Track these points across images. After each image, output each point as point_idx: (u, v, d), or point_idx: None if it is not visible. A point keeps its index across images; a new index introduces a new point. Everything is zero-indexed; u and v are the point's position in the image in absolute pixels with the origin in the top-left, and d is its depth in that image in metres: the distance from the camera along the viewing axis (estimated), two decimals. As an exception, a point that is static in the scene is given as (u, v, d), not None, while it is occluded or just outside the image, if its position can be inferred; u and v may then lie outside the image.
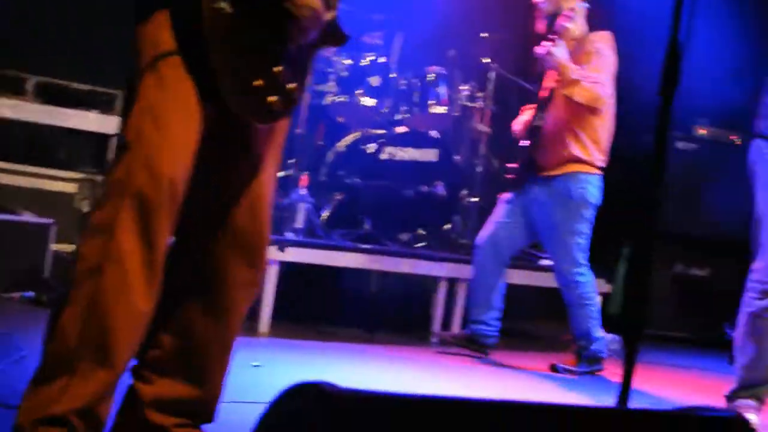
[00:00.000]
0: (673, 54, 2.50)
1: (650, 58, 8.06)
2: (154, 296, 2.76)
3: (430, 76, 7.42)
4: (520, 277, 7.19)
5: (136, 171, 2.66)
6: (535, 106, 6.27)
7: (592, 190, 6.09)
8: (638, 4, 7.44)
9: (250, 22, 2.78)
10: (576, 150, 6.03)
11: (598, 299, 6.14)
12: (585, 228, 6.09)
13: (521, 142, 6.17)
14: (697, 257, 8.85)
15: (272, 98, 2.84)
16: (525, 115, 6.31)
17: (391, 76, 7.57)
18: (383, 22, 7.45)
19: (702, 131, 8.83)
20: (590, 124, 6.05)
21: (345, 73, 7.46)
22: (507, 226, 6.19)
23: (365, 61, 7.55)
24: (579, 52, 6.02)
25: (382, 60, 7.60)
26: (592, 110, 5.92)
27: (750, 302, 4.80)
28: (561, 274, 6.16)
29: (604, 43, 6.06)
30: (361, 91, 7.46)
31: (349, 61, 7.52)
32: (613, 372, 5.97)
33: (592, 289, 6.09)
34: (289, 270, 6.35)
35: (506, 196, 6.24)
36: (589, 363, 6.05)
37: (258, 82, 2.80)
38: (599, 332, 6.08)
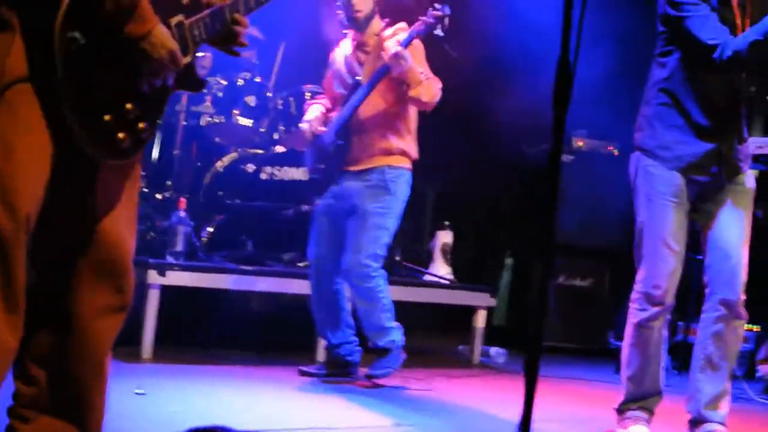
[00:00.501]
0: (564, 73, 2.44)
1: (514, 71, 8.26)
2: (17, 331, 2.62)
3: (307, 94, 7.35)
4: (405, 293, 7.12)
5: None
6: (323, 102, 6.23)
7: (406, 185, 6.01)
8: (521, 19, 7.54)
9: (104, 55, 2.68)
10: (396, 142, 5.96)
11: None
12: (393, 224, 5.93)
13: (328, 140, 6.00)
14: (578, 268, 8.94)
15: (121, 135, 2.74)
16: (314, 112, 6.16)
17: (267, 95, 7.48)
18: (258, 41, 7.34)
19: (580, 143, 8.93)
20: (409, 116, 6.02)
21: (220, 93, 7.38)
22: (326, 241, 5.99)
23: (240, 81, 7.46)
24: (379, 47, 5.92)
25: (257, 79, 7.52)
26: (425, 105, 5.88)
27: (635, 313, 4.81)
28: (355, 266, 5.77)
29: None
30: (237, 111, 7.37)
31: (224, 81, 7.43)
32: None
33: (384, 284, 5.85)
34: (170, 294, 6.20)
35: (319, 207, 6.09)
36: (385, 362, 5.88)
37: (108, 117, 2.70)
38: (393, 323, 5.90)
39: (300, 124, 6.19)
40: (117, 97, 2.75)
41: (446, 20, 5.79)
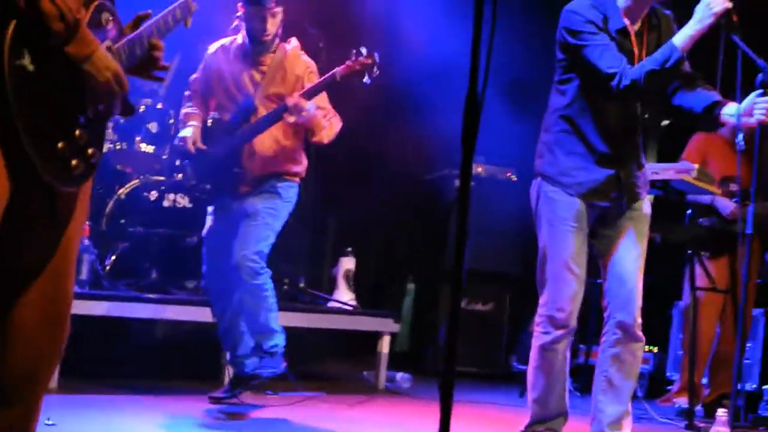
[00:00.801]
0: (472, 106, 2.51)
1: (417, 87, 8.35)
2: None
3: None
4: (309, 320, 7.15)
5: None
6: (194, 110, 6.10)
7: (295, 193, 6.01)
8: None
9: (52, 82, 2.71)
10: (291, 167, 5.95)
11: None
12: (279, 227, 5.92)
13: (215, 163, 5.91)
14: (479, 293, 9.02)
15: (74, 162, 2.76)
16: (192, 128, 5.98)
17: (170, 122, 7.45)
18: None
19: (479, 169, 9.04)
20: (303, 142, 6.01)
21: (122, 120, 7.32)
22: (218, 256, 5.91)
23: (142, 107, 7.42)
24: (280, 67, 5.92)
25: (159, 106, 7.49)
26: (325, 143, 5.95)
27: (539, 336, 4.91)
28: (243, 260, 5.66)
29: (305, 59, 6.03)
30: (139, 138, 7.34)
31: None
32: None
33: (271, 284, 5.83)
34: (75, 323, 6.11)
35: (209, 230, 6.03)
36: (271, 362, 5.83)
37: (61, 145, 2.72)
38: (278, 326, 5.85)
39: (178, 140, 5.99)
40: (67, 123, 2.77)
41: (376, 69, 5.72)
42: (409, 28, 8.16)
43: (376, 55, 5.71)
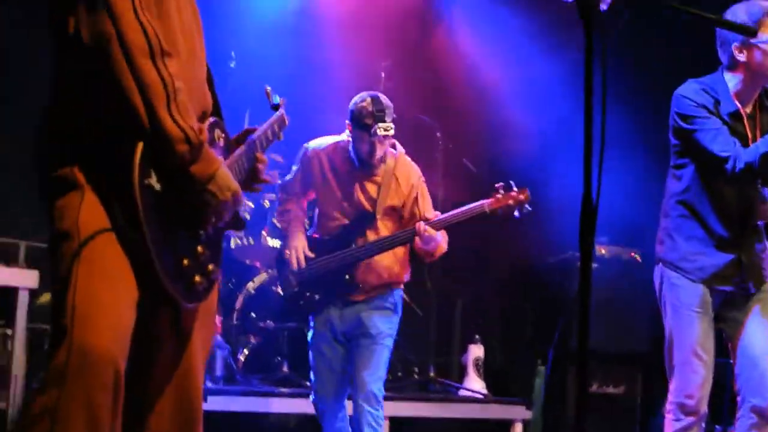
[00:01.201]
0: (588, 208, 2.55)
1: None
2: None
3: (272, 196, 7.39)
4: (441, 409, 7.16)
5: (76, 356, 2.61)
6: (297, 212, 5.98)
7: (402, 301, 5.91)
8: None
9: (177, 200, 2.81)
10: (401, 271, 5.84)
11: None
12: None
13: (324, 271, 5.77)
14: (610, 375, 8.92)
15: (198, 278, 2.86)
16: (298, 239, 5.85)
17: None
18: (280, 166, 7.50)
19: (603, 250, 8.99)
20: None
21: (248, 215, 7.49)
22: (327, 377, 5.76)
23: (267, 202, 7.58)
24: (392, 176, 5.78)
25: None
26: None
27: (671, 423, 4.89)
28: (370, 388, 5.55)
29: (413, 165, 5.95)
30: (265, 232, 7.48)
31: (251, 204, 7.55)
32: None
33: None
34: (212, 418, 6.24)
35: (315, 340, 5.83)
36: None
37: (186, 262, 2.82)
38: None
39: (287, 250, 5.86)
40: (190, 240, 2.87)
41: (528, 205, 5.72)
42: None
43: (528, 191, 5.70)
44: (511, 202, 5.65)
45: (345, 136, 5.77)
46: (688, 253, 4.88)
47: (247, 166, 3.26)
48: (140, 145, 2.68)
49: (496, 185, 5.70)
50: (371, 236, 5.70)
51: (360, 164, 5.71)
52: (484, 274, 9.45)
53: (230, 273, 7.58)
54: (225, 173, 2.90)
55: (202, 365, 3.11)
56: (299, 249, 5.75)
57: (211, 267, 2.96)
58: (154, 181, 2.72)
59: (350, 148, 5.72)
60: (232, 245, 7.45)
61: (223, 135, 3.14)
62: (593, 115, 2.68)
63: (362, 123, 5.50)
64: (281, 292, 5.93)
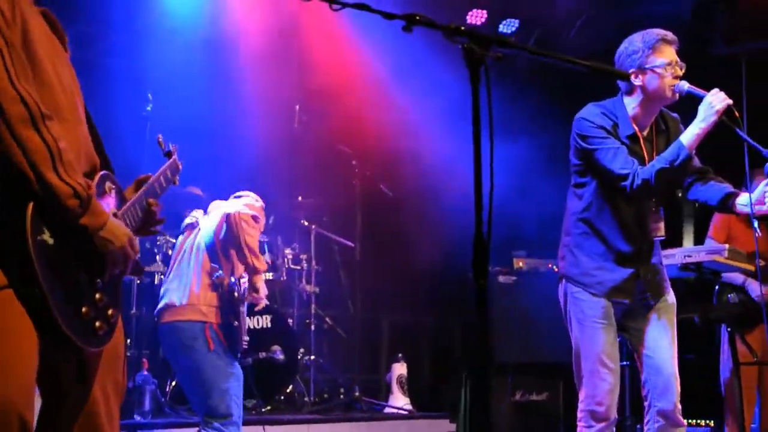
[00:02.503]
0: (480, 246, 2.76)
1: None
2: None
3: None
4: (368, 428, 7.33)
5: None
6: None
7: None
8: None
9: (72, 252, 2.93)
10: None
11: None
12: None
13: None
14: (533, 383, 9.12)
15: (98, 323, 2.99)
16: None
17: (217, 248, 7.71)
18: (200, 199, 7.62)
19: (521, 263, 9.22)
20: None
21: (170, 251, 7.61)
22: None
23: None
24: None
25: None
26: None
27: (582, 430, 5.08)
28: None
29: None
30: (191, 268, 7.59)
31: (172, 240, 7.66)
32: None
33: None
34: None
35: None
36: None
37: (85, 309, 2.94)
38: None
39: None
40: (88, 289, 2.99)
41: None
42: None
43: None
44: None
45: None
46: (588, 269, 5.11)
47: (141, 214, 3.42)
48: (31, 204, 2.80)
49: None
50: None
51: None
52: (408, 293, 9.65)
53: (155, 308, 7.67)
54: (115, 222, 3.04)
55: (115, 407, 3.21)
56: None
57: (111, 311, 3.08)
58: (47, 236, 2.84)
59: None
60: (156, 281, 7.56)
61: (114, 186, 3.27)
62: (482, 154, 2.88)
63: None
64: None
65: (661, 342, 5.08)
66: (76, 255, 2.95)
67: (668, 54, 4.98)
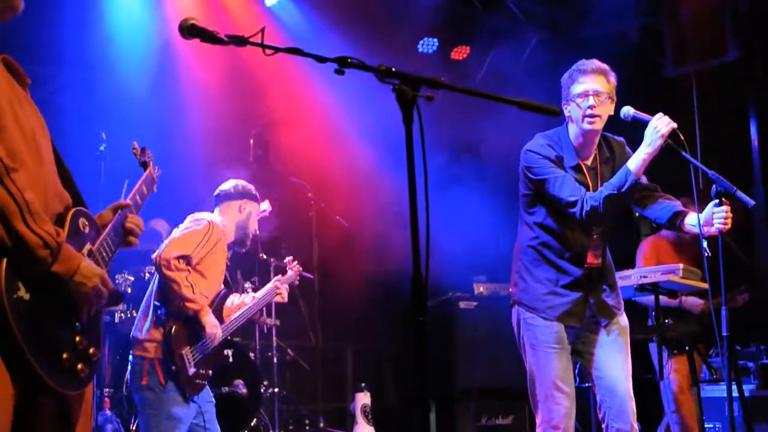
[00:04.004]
0: (418, 284, 2.80)
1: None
2: None
3: None
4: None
5: None
6: None
7: None
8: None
9: (47, 302, 2.96)
10: None
11: None
12: None
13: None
14: (498, 407, 9.15)
15: (80, 366, 3.03)
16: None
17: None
18: (161, 235, 7.64)
19: (481, 288, 9.27)
20: None
21: (129, 289, 7.62)
22: None
23: (147, 275, 7.71)
24: None
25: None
26: None
27: (542, 455, 5.15)
28: None
29: None
30: (147, 303, 7.60)
31: (131, 277, 7.68)
32: None
33: None
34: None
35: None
36: None
37: (66, 355, 2.98)
38: None
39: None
40: (66, 334, 3.03)
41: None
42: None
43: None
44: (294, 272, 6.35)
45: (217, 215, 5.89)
46: (539, 294, 5.18)
47: (117, 239, 3.46)
48: (4, 261, 2.83)
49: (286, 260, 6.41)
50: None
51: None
52: (368, 322, 9.68)
53: (117, 345, 7.68)
54: (87, 264, 3.07)
55: None
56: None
57: (91, 351, 3.12)
58: (22, 292, 2.87)
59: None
60: (116, 319, 7.56)
61: (88, 222, 3.31)
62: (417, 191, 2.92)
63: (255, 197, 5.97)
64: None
65: (614, 364, 5.14)
66: (52, 304, 2.98)
67: (584, 84, 5.08)
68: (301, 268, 6.39)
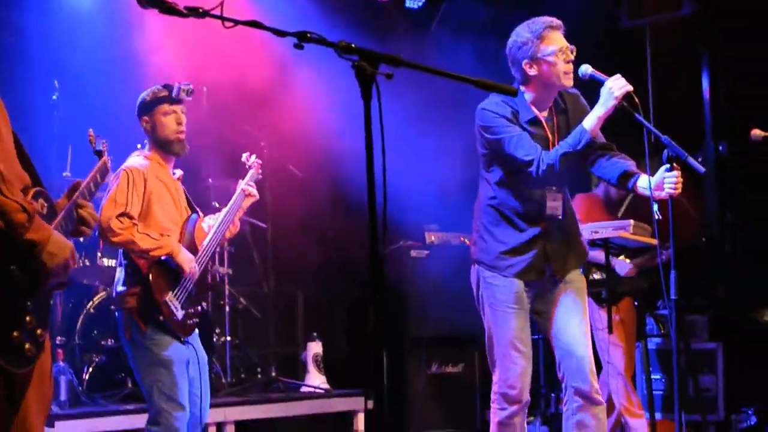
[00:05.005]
0: (377, 261, 2.83)
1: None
2: None
3: None
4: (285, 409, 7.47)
5: None
6: None
7: None
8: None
9: (5, 279, 2.99)
10: None
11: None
12: None
13: None
14: (448, 355, 9.22)
15: (27, 345, 3.04)
16: None
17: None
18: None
19: (432, 237, 9.30)
20: None
21: (81, 238, 7.55)
22: None
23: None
24: None
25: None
26: None
27: (495, 412, 5.27)
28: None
29: None
30: (100, 253, 7.57)
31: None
32: None
33: None
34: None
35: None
36: None
37: (16, 334, 2.99)
38: None
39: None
40: (18, 312, 3.05)
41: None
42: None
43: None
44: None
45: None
46: (499, 252, 5.25)
47: (71, 224, 3.45)
48: None
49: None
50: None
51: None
52: (321, 270, 9.71)
53: (69, 294, 7.64)
54: (59, 236, 3.11)
55: (40, 423, 3.28)
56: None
57: (39, 332, 3.15)
58: None
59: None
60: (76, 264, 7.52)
61: (46, 203, 3.32)
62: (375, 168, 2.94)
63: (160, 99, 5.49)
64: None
65: (571, 322, 5.25)
66: (7, 279, 2.99)
67: (556, 40, 5.12)
68: (261, 162, 6.09)
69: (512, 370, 5.21)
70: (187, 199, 5.65)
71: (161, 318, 5.19)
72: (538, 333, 5.87)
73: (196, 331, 5.50)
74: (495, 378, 5.29)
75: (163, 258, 5.24)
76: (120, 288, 5.34)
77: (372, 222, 2.90)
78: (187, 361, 5.34)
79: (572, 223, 5.43)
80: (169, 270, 5.28)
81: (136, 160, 5.45)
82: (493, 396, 5.29)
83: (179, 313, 5.24)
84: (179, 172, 5.65)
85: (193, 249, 5.46)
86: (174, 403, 5.21)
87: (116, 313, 5.38)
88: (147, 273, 5.23)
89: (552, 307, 5.29)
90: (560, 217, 5.27)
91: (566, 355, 5.23)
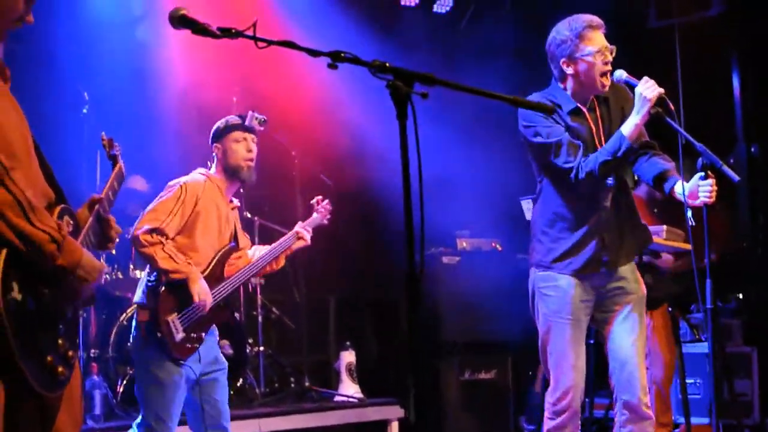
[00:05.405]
0: (413, 280, 2.81)
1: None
2: None
3: None
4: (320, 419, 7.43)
5: None
6: None
7: None
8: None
9: (38, 302, 2.98)
10: None
11: None
12: None
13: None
14: (481, 362, 9.18)
15: (60, 368, 3.04)
16: None
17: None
18: (143, 192, 7.60)
19: (464, 243, 9.28)
20: None
21: (114, 251, 7.58)
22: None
23: (129, 235, 7.65)
24: None
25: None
26: None
27: (547, 421, 5.28)
28: None
29: None
30: (132, 266, 7.60)
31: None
32: None
33: None
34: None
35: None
36: None
37: (50, 359, 3.00)
38: None
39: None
40: (51, 336, 3.06)
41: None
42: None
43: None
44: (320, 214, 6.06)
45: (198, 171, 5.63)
46: (556, 251, 5.22)
47: (95, 237, 3.45)
48: (1, 261, 2.84)
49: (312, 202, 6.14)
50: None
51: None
52: (352, 278, 9.70)
53: (102, 307, 7.68)
54: (89, 257, 3.11)
55: None
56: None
57: (70, 353, 3.15)
58: (16, 293, 2.89)
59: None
60: (102, 280, 7.55)
61: (72, 221, 3.32)
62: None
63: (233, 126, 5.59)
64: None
65: (626, 337, 5.22)
66: (42, 303, 3.01)
67: (597, 40, 5.08)
68: (330, 207, 6.12)
69: (562, 381, 5.21)
70: (234, 228, 5.65)
71: (159, 335, 5.20)
72: (591, 338, 5.83)
73: (220, 356, 5.52)
74: (550, 387, 5.29)
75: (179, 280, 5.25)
76: (138, 299, 5.39)
77: (410, 247, 2.86)
78: (186, 380, 5.30)
79: (630, 212, 5.37)
80: (183, 292, 5.26)
81: (197, 177, 5.49)
82: (546, 405, 5.31)
83: (178, 336, 5.21)
84: (236, 202, 5.67)
85: (218, 278, 5.45)
86: (162, 424, 5.21)
87: (132, 321, 5.42)
88: (160, 290, 5.26)
89: (611, 316, 5.25)
90: (607, 207, 5.22)
91: (619, 367, 5.21)
